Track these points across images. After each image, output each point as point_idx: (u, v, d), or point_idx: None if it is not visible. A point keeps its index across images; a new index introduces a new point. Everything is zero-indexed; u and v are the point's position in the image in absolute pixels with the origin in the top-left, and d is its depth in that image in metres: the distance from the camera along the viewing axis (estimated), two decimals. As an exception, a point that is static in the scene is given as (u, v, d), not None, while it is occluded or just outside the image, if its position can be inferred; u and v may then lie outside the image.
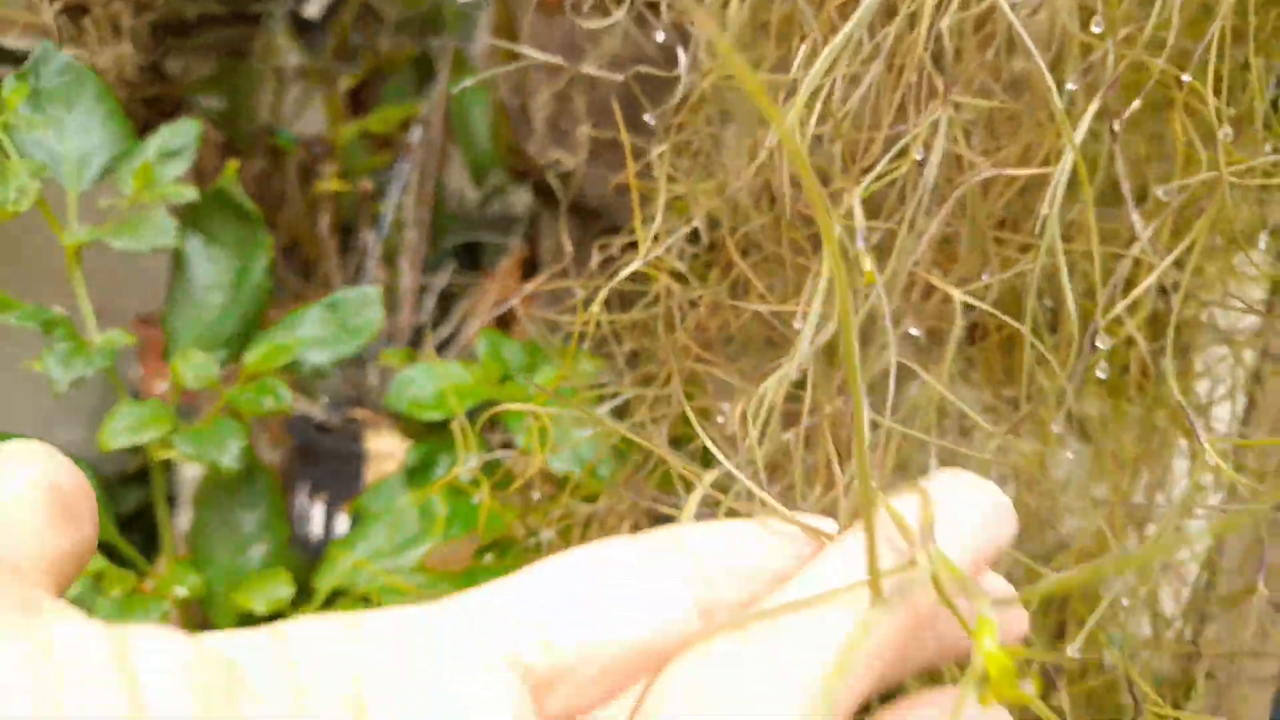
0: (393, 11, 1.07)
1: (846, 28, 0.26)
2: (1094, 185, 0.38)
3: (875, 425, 0.29)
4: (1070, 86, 0.30)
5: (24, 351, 0.49)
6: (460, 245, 1.10)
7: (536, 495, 0.37)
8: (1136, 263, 0.34)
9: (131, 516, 0.78)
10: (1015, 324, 0.27)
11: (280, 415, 0.89)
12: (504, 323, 0.86)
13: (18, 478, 0.16)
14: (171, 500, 0.80)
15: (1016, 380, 0.41)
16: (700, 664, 0.16)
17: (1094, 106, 0.26)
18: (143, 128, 0.53)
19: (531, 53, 0.44)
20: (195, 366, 0.47)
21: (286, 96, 1.10)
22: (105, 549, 0.49)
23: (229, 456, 0.45)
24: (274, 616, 0.47)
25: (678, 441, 0.41)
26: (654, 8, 0.46)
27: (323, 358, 0.49)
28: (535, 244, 1.04)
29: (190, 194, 0.46)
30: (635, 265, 0.33)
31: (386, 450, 0.69)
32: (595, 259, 0.48)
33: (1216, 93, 0.33)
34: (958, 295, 0.29)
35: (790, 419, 0.33)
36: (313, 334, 0.49)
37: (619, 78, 0.39)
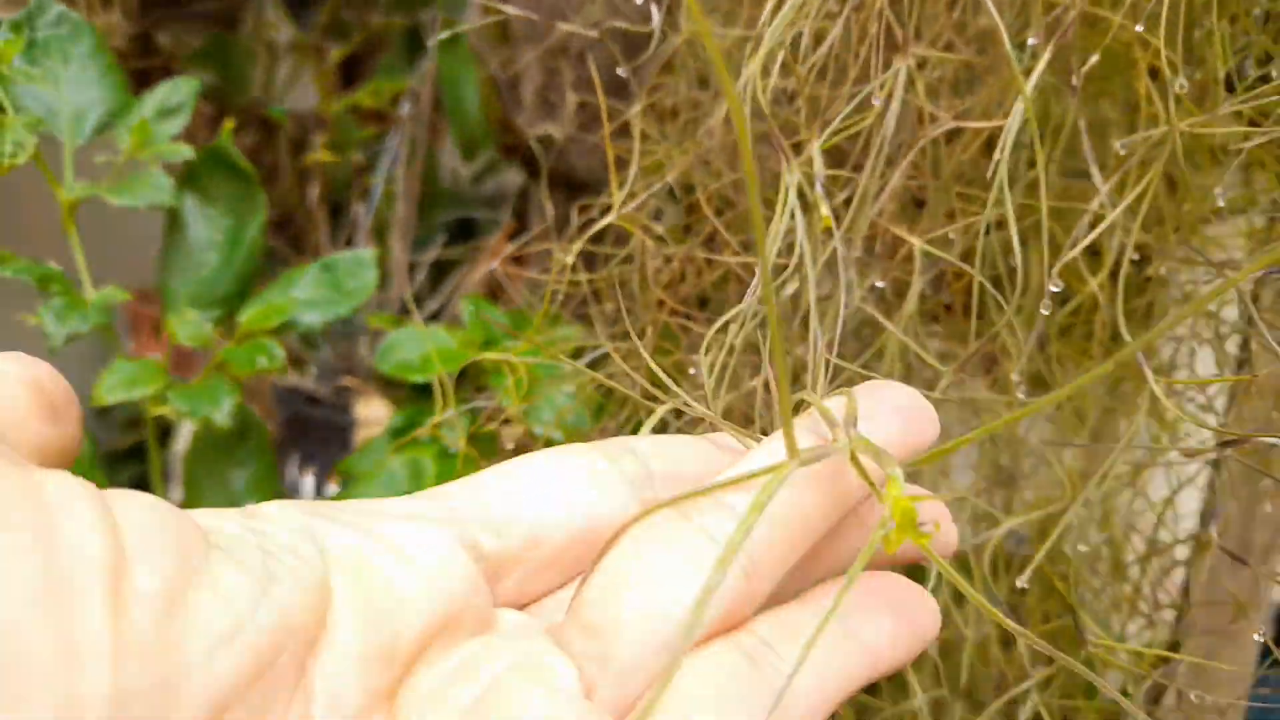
0: (383, -14, 1.07)
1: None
2: (1059, 147, 0.39)
3: (839, 370, 0.29)
4: (1031, 41, 0.31)
5: (10, 313, 0.50)
6: (450, 220, 1.10)
7: (511, 446, 0.38)
8: (1099, 219, 0.35)
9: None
10: (968, 269, 0.28)
11: (269, 386, 0.90)
12: (492, 294, 0.86)
13: (3, 375, 0.17)
14: (166, 477, 0.81)
15: (981, 338, 0.42)
16: (637, 534, 0.17)
17: (1046, 55, 0.27)
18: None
19: (515, 11, 0.44)
20: (189, 324, 0.48)
21: (277, 71, 1.10)
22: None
23: (222, 413, 0.45)
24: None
25: (653, 399, 0.42)
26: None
27: (316, 319, 0.50)
28: (524, 219, 1.04)
29: (187, 152, 0.46)
30: (609, 219, 0.33)
31: (376, 418, 0.70)
32: (577, 224, 0.49)
33: (1176, 52, 0.34)
34: (918, 244, 0.30)
35: (756, 371, 0.34)
36: (307, 295, 0.50)
37: (593, 34, 0.40)
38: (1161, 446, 0.34)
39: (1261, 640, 0.34)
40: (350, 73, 1.07)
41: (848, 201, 0.34)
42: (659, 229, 0.43)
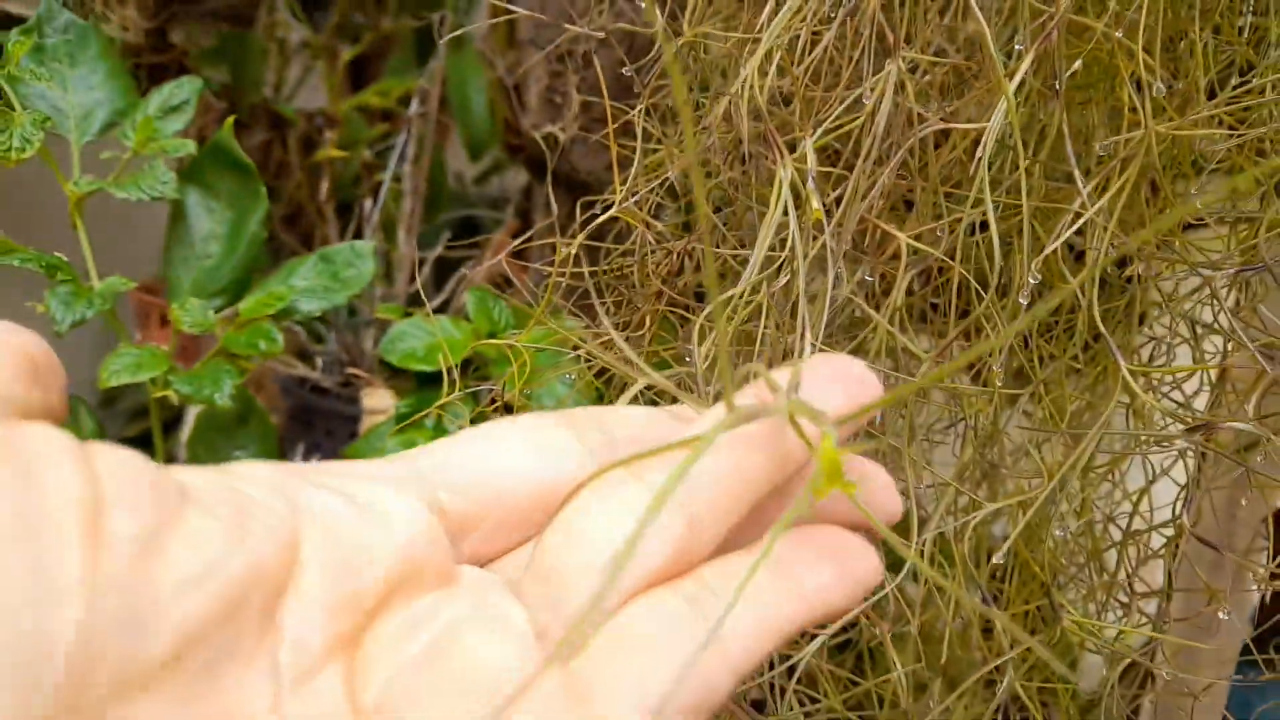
0: (394, -13, 1.09)
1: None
2: (1044, 151, 0.41)
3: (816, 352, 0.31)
4: (1018, 47, 0.32)
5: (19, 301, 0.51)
6: (454, 218, 1.12)
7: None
8: (1078, 217, 0.36)
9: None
10: (951, 263, 0.30)
11: (276, 377, 0.92)
12: (497, 290, 0.88)
13: None
14: (172, 463, 0.83)
15: (970, 340, 0.44)
16: (589, 491, 0.19)
17: (1029, 59, 0.28)
18: (145, 94, 0.55)
19: (523, 12, 0.46)
20: (193, 312, 0.49)
21: (289, 70, 1.12)
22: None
23: (222, 395, 0.47)
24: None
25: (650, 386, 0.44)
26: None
27: (314, 306, 0.51)
28: (528, 218, 1.06)
29: (189, 146, 0.48)
30: (611, 212, 0.35)
31: (382, 407, 0.71)
32: (580, 219, 0.51)
33: (1156, 59, 0.36)
34: (905, 240, 0.31)
35: (749, 358, 0.35)
36: (306, 284, 0.52)
37: (600, 35, 0.42)
38: (1136, 432, 0.36)
39: (1227, 617, 0.35)
40: (359, 73, 1.09)
41: (839, 200, 0.35)
42: (659, 225, 0.45)
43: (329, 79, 0.97)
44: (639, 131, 0.38)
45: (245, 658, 0.16)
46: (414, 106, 0.96)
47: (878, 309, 0.37)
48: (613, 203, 0.46)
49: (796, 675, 0.34)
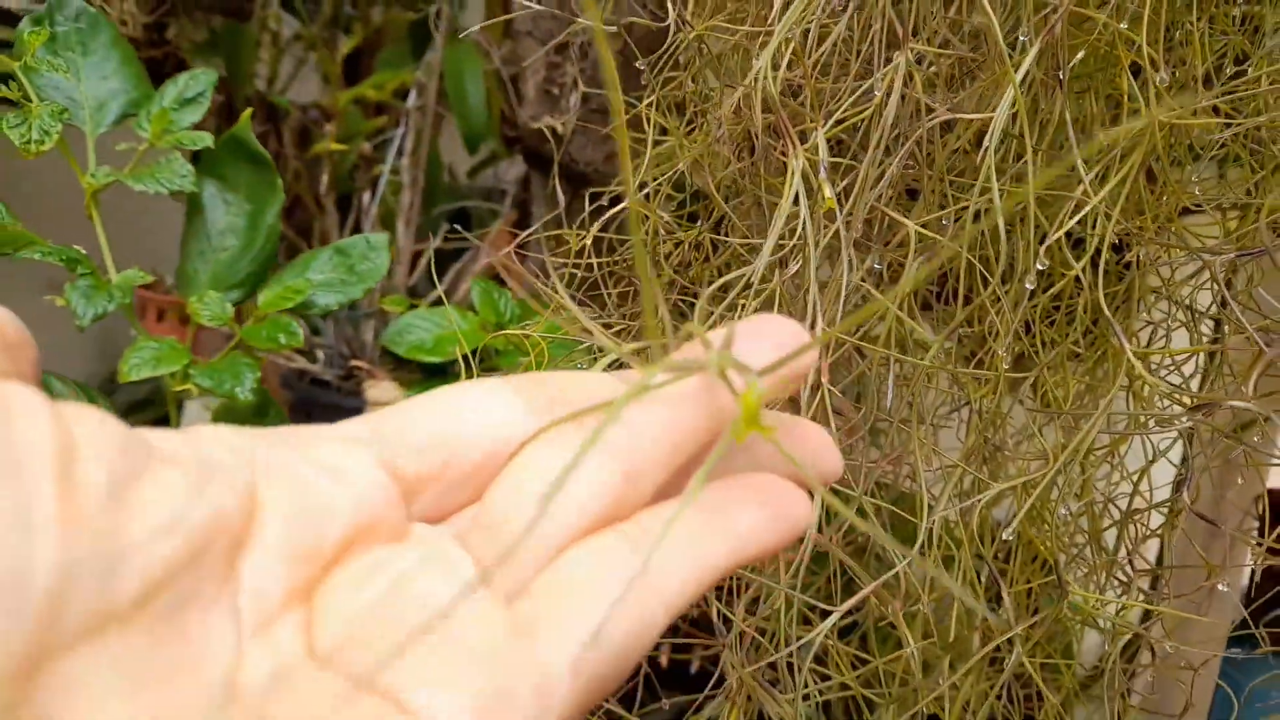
0: (388, -21, 1.09)
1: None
2: (1047, 140, 0.42)
3: (839, 344, 0.32)
4: (1022, 38, 0.33)
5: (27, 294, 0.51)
6: (454, 211, 1.12)
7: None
8: (1082, 207, 0.37)
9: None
10: (957, 248, 0.31)
11: (277, 370, 0.92)
12: (497, 282, 0.88)
13: None
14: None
15: (974, 324, 0.45)
16: (535, 445, 0.20)
17: (1034, 51, 0.29)
18: (147, 88, 0.55)
19: (527, 2, 0.47)
20: (211, 305, 0.50)
21: (282, 62, 1.12)
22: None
23: (244, 388, 0.47)
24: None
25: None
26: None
27: (331, 300, 0.52)
28: (526, 209, 1.06)
29: (207, 139, 0.48)
30: (623, 205, 0.36)
31: (386, 399, 0.72)
32: (588, 211, 0.51)
33: (1157, 50, 0.37)
34: (913, 227, 0.32)
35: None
36: (322, 277, 0.52)
37: (611, 29, 0.42)
38: (1137, 412, 0.37)
39: (1226, 589, 0.36)
40: (352, 65, 1.09)
41: (847, 190, 0.36)
42: (665, 216, 0.45)
43: (327, 71, 0.97)
44: (647, 123, 0.39)
45: (208, 604, 0.17)
46: (411, 99, 0.97)
47: (885, 295, 0.37)
48: (618, 195, 0.46)
49: (810, 654, 0.35)
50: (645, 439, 0.20)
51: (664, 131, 0.46)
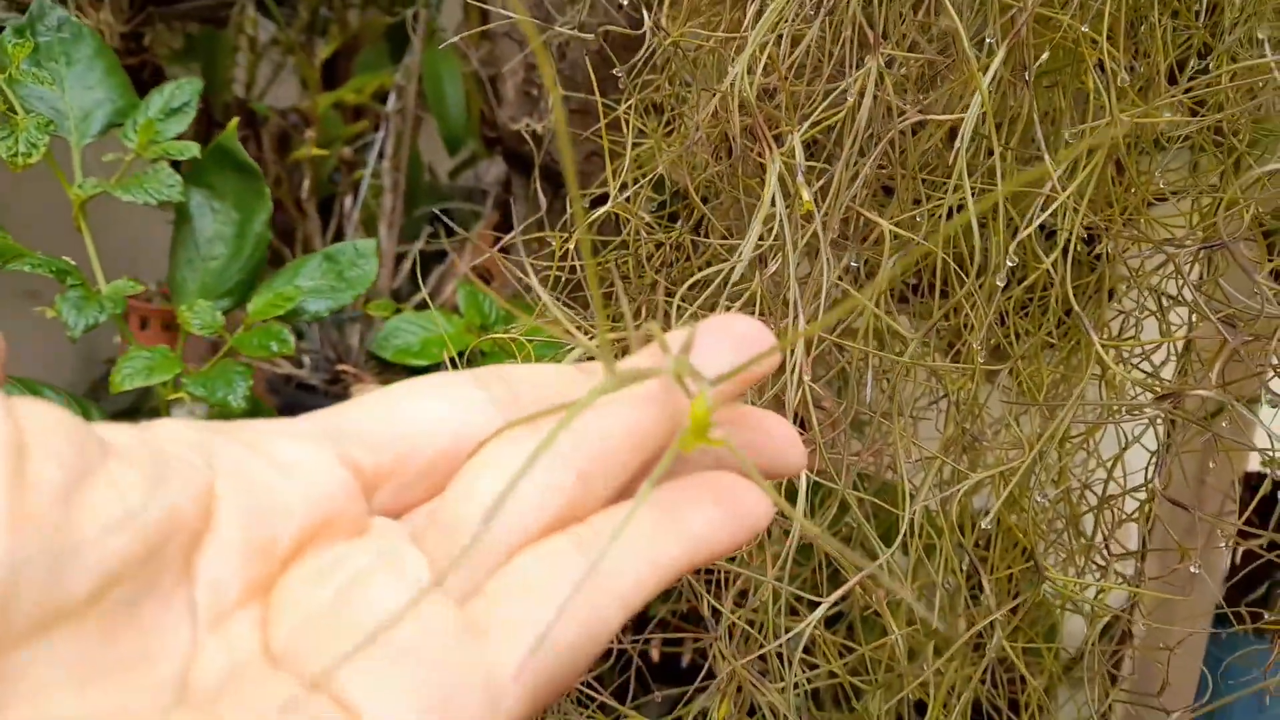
0: (365, -16, 1.09)
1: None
2: (1016, 137, 0.43)
3: (820, 341, 0.33)
4: (988, 39, 0.34)
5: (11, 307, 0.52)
6: (435, 213, 1.13)
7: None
8: (1052, 202, 0.38)
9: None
10: (931, 247, 0.31)
11: (264, 376, 0.92)
12: (484, 281, 0.89)
13: None
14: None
15: (950, 320, 0.46)
16: (491, 446, 0.20)
17: (1001, 53, 0.30)
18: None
19: (503, 11, 0.47)
20: (201, 314, 0.50)
21: (260, 68, 1.12)
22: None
23: (236, 396, 0.48)
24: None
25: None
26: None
27: (322, 306, 0.52)
28: (508, 210, 1.07)
29: (193, 149, 0.49)
30: (607, 207, 0.36)
31: (370, 402, 0.72)
32: (570, 214, 0.52)
33: (1119, 49, 0.38)
34: (887, 227, 0.33)
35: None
36: (312, 284, 0.52)
37: (589, 36, 0.43)
38: (1109, 402, 0.38)
39: (1197, 570, 0.37)
40: (329, 69, 1.09)
41: (823, 190, 0.37)
42: (645, 217, 0.46)
43: (306, 75, 0.97)
44: (626, 125, 0.40)
45: (163, 600, 0.17)
46: (391, 102, 0.97)
47: (861, 292, 0.38)
48: (599, 195, 0.47)
49: (800, 645, 0.36)
50: (600, 441, 0.20)
51: (642, 133, 0.47)
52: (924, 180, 0.37)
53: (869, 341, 0.38)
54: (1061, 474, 0.40)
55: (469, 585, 0.19)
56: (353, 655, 0.17)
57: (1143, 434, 0.41)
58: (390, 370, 0.72)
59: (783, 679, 0.35)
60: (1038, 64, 0.33)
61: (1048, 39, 0.39)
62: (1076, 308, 0.31)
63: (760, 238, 0.34)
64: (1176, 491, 0.41)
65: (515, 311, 0.54)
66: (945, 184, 0.40)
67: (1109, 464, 0.41)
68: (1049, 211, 0.32)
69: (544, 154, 0.80)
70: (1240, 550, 0.50)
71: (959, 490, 0.35)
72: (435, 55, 0.98)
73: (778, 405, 0.38)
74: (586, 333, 0.46)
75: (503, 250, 0.90)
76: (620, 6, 0.59)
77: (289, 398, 0.92)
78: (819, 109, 0.33)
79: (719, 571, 0.41)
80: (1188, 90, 0.40)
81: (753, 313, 0.33)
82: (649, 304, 0.40)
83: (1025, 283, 0.42)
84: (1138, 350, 0.48)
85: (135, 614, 0.16)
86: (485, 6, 0.67)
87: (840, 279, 0.34)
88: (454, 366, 0.44)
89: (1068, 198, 0.32)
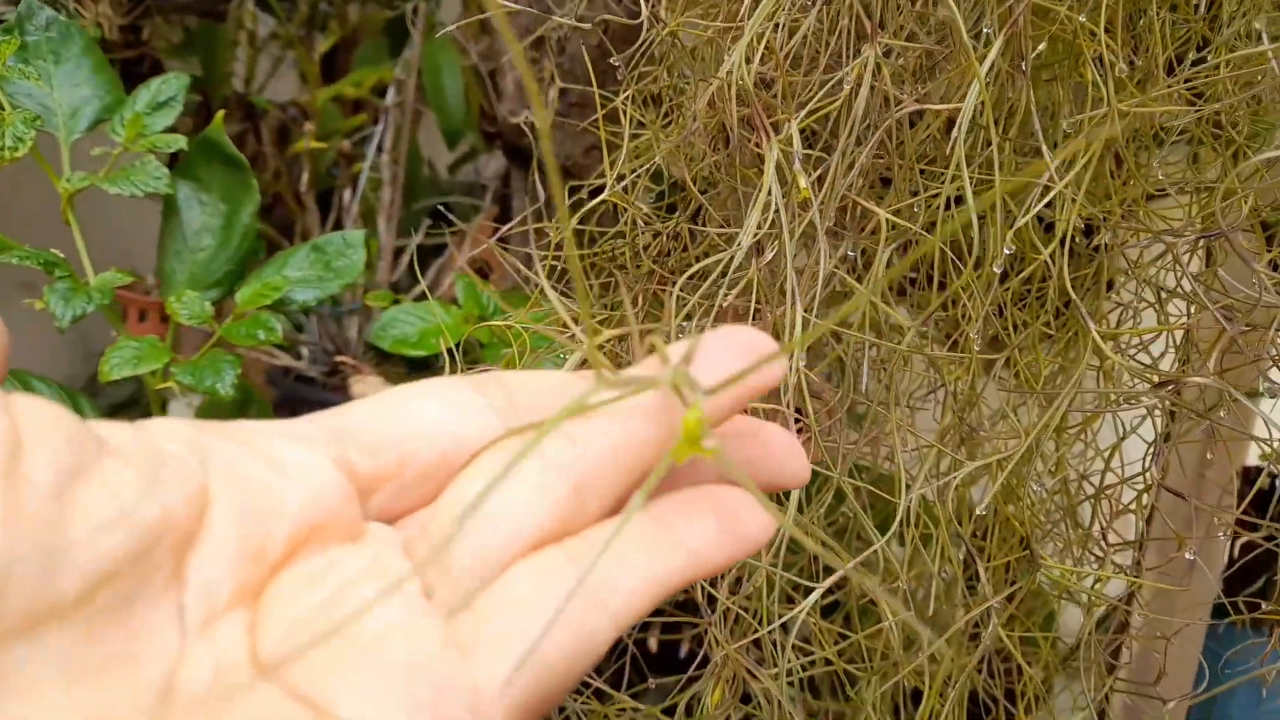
0: (364, -23, 1.09)
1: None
2: (1013, 128, 0.43)
3: (806, 324, 0.33)
4: (985, 29, 0.34)
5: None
6: (434, 207, 1.13)
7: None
8: (1047, 190, 0.38)
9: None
10: (929, 236, 0.32)
11: (263, 368, 0.92)
12: (481, 277, 0.89)
13: None
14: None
15: (948, 310, 0.46)
16: (485, 457, 0.20)
17: (999, 43, 0.30)
18: (120, 90, 0.55)
19: (502, 2, 0.47)
20: (189, 305, 0.50)
21: (259, 61, 1.12)
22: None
23: (225, 384, 0.48)
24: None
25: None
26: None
27: (309, 296, 0.52)
28: (507, 204, 1.07)
29: (180, 142, 0.49)
30: (603, 196, 0.36)
31: (371, 394, 0.72)
32: (568, 204, 0.52)
33: (1118, 40, 0.38)
34: (884, 215, 0.33)
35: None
36: (300, 274, 0.52)
37: (587, 26, 0.43)
38: (1107, 390, 0.38)
39: (1192, 557, 0.37)
40: (329, 63, 1.09)
41: (820, 180, 0.37)
42: (643, 208, 0.46)
43: (305, 69, 0.97)
44: (624, 117, 0.40)
45: (154, 601, 0.16)
46: (390, 96, 0.97)
47: (859, 283, 0.38)
48: (598, 187, 0.47)
49: (793, 632, 0.36)
50: (597, 454, 0.20)
51: (640, 125, 0.47)
52: (921, 171, 0.37)
53: (866, 331, 0.38)
54: (1059, 464, 0.40)
55: (459, 597, 0.18)
56: (316, 646, 0.17)
57: (1140, 425, 0.41)
58: (388, 361, 0.72)
59: (777, 666, 0.35)
60: (1035, 55, 0.33)
61: (1046, 31, 0.39)
62: (1074, 297, 0.31)
63: (757, 226, 0.34)
64: (1175, 484, 0.41)
65: (507, 307, 0.54)
66: (942, 174, 0.40)
67: (1106, 454, 0.41)
68: (1045, 200, 0.32)
69: (540, 147, 0.80)
70: (1239, 543, 0.50)
71: (955, 479, 0.35)
72: (434, 49, 0.98)
73: (774, 397, 0.38)
74: (582, 323, 0.46)
75: (501, 242, 0.90)
76: (620, 0, 0.59)
77: (287, 390, 0.92)
78: (816, 98, 0.33)
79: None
80: (1186, 81, 0.40)
81: (749, 300, 0.33)
82: (645, 293, 0.40)
83: (1023, 274, 0.42)
84: (1135, 342, 0.48)
85: (124, 615, 0.16)
86: (484, -1, 0.67)
87: (837, 268, 0.34)
88: (452, 358, 0.44)
89: (1065, 187, 0.32)
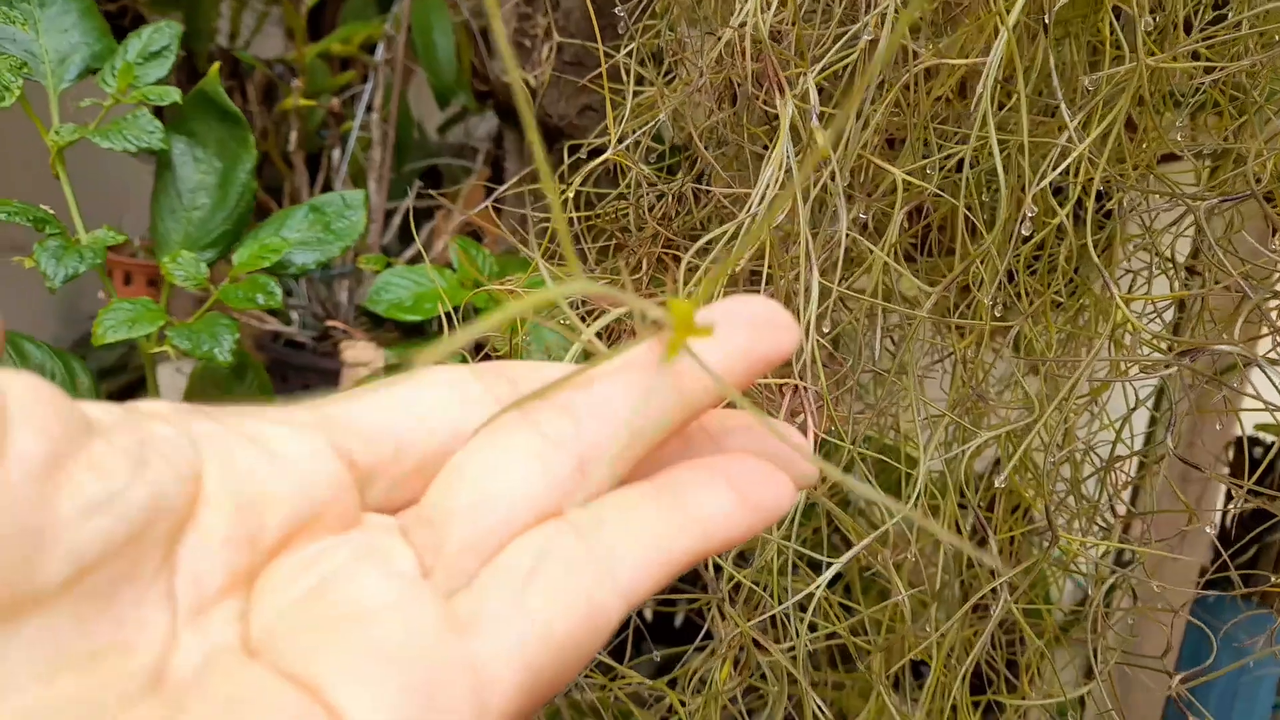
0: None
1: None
2: (1029, 86, 0.41)
3: (826, 291, 0.32)
4: (1006, -16, 0.33)
5: None
6: (425, 169, 1.11)
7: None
8: (1067, 153, 0.37)
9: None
10: (946, 196, 0.30)
11: (252, 333, 0.91)
12: (473, 238, 0.87)
13: None
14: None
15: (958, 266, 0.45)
16: (482, 436, 0.19)
17: (1023, -3, 0.29)
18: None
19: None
20: (185, 266, 0.48)
21: (244, 17, 1.09)
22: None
23: (223, 349, 0.46)
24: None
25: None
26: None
27: (309, 259, 0.50)
28: (500, 165, 1.05)
29: (174, 95, 0.47)
30: (606, 156, 0.35)
31: (363, 359, 0.71)
32: (567, 164, 0.50)
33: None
34: (898, 174, 0.32)
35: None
36: (299, 236, 0.51)
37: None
38: (1120, 358, 0.37)
39: (1211, 532, 0.37)
40: (317, 19, 1.06)
41: (835, 139, 0.36)
42: (645, 169, 0.45)
43: (291, 25, 0.95)
44: (626, 74, 0.38)
45: (143, 588, 0.16)
46: (379, 53, 0.94)
47: (872, 244, 0.37)
48: (598, 147, 0.45)
49: (807, 606, 0.35)
50: (600, 427, 0.19)
51: (642, 81, 0.45)
52: (935, 130, 0.36)
53: (877, 298, 0.37)
54: (1067, 435, 0.39)
55: (458, 576, 0.18)
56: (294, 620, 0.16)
57: (1149, 396, 0.40)
58: (381, 326, 0.71)
59: (785, 640, 0.35)
60: (1056, 7, 0.32)
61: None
62: (1097, 260, 0.30)
63: (767, 186, 0.32)
64: (1176, 452, 0.41)
65: (490, 284, 0.53)
66: (955, 133, 0.39)
67: (1117, 425, 0.40)
68: (1068, 161, 0.31)
69: (537, 106, 0.78)
70: (1230, 515, 0.50)
71: (966, 450, 0.34)
72: (425, 4, 0.96)
73: (784, 368, 0.37)
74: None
75: (496, 204, 0.89)
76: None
77: (277, 354, 0.91)
78: (831, 53, 0.32)
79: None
80: (1206, 38, 0.39)
81: (761, 262, 0.32)
82: (650, 257, 0.39)
83: (1034, 240, 0.41)
84: (1148, 309, 0.48)
85: (113, 601, 0.15)
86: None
87: (848, 231, 0.33)
88: (449, 322, 0.42)
89: (1085, 149, 0.31)
